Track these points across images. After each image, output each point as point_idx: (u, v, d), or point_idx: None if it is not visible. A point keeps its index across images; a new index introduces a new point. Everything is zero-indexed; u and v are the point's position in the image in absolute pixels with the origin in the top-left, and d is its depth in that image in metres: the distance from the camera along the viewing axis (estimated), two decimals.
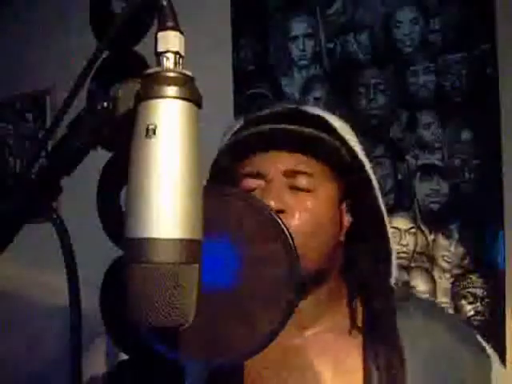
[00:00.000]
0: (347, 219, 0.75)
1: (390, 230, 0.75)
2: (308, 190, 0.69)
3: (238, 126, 0.73)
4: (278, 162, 0.70)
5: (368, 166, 0.75)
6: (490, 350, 0.74)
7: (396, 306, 0.74)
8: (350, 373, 0.70)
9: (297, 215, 0.68)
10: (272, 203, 0.65)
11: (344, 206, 0.75)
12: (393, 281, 0.74)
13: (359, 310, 0.75)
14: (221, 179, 0.72)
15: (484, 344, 0.75)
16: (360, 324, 0.73)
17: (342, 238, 0.74)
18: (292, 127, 0.69)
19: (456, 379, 0.69)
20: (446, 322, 0.76)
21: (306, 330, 0.73)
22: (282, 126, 0.69)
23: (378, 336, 0.71)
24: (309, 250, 0.67)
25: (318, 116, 0.73)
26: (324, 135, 0.71)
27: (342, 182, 0.74)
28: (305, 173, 0.69)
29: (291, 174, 0.69)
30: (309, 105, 0.76)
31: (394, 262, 0.75)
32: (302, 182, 0.69)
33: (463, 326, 0.84)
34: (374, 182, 0.74)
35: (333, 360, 0.71)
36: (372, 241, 0.74)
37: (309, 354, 0.71)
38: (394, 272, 0.74)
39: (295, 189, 0.69)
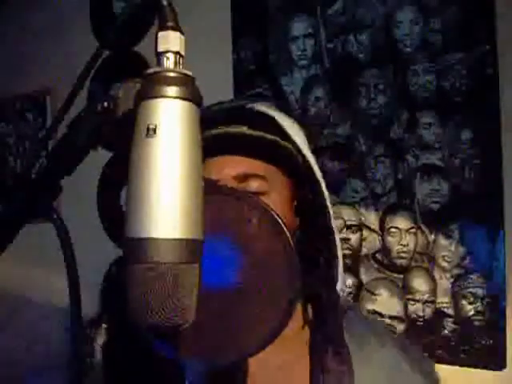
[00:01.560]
0: (295, 220, 0.73)
1: (337, 236, 0.73)
2: (261, 193, 0.67)
3: None
4: (228, 167, 0.68)
5: (316, 167, 0.73)
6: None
7: (342, 315, 0.73)
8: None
9: None
10: None
11: (293, 206, 0.73)
12: (339, 286, 0.72)
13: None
14: None
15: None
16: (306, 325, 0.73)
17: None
18: (241, 131, 0.67)
19: None
20: (393, 340, 0.78)
21: None
22: (231, 129, 0.67)
23: (326, 342, 0.71)
24: None
25: (267, 115, 0.71)
26: (273, 137, 0.69)
27: (292, 183, 0.72)
28: (256, 175, 0.68)
29: (243, 178, 0.68)
30: (259, 102, 0.73)
31: (340, 268, 0.72)
32: (254, 185, 0.67)
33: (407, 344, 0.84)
34: (322, 185, 0.73)
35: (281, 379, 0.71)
36: (317, 244, 0.72)
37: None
38: (340, 278, 0.72)
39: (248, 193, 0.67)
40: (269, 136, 0.68)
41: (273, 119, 0.71)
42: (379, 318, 1.38)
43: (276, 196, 0.69)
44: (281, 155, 0.70)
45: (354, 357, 0.70)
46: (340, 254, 0.73)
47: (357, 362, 0.70)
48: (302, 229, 0.73)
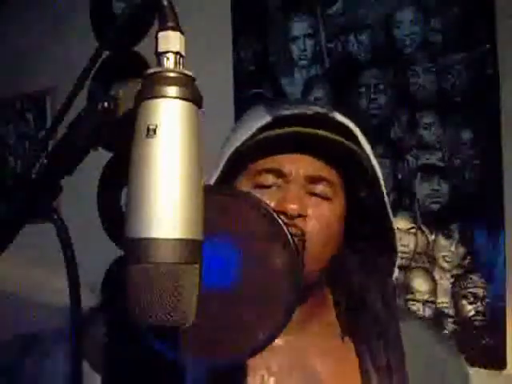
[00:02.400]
0: (342, 228, 0.74)
1: (396, 231, 0.75)
2: (326, 198, 0.68)
3: (264, 121, 0.69)
4: (302, 165, 0.68)
5: (380, 175, 0.76)
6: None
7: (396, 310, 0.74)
8: (349, 374, 0.70)
9: (314, 221, 0.67)
10: (293, 206, 0.64)
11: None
12: (394, 279, 0.74)
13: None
14: (235, 172, 0.71)
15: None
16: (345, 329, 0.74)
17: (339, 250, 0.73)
18: (323, 133, 0.67)
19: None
20: (440, 338, 0.79)
21: (295, 334, 0.71)
22: (314, 130, 0.67)
23: (377, 339, 0.71)
24: (319, 258, 0.67)
25: (346, 126, 0.72)
26: (352, 145, 0.70)
27: (346, 194, 0.73)
28: (327, 180, 0.69)
29: (312, 179, 0.68)
30: (338, 112, 0.74)
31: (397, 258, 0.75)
32: (323, 188, 0.68)
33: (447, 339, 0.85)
34: (386, 199, 0.75)
35: (332, 361, 0.71)
36: (375, 250, 0.75)
37: (308, 355, 0.71)
38: (396, 271, 0.74)
39: (313, 195, 0.68)
40: (346, 142, 0.69)
41: (349, 129, 0.72)
42: None
43: (338, 204, 0.70)
44: (355, 163, 0.71)
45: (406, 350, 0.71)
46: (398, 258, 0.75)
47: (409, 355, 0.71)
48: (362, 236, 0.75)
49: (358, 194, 0.74)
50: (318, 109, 0.70)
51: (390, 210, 0.74)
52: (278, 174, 0.68)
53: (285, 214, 0.63)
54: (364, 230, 0.75)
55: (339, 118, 0.72)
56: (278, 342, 0.56)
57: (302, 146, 0.69)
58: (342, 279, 0.75)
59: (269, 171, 0.69)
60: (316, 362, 0.71)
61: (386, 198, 0.74)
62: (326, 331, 0.73)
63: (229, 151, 0.69)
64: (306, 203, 0.67)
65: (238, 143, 0.69)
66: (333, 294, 0.77)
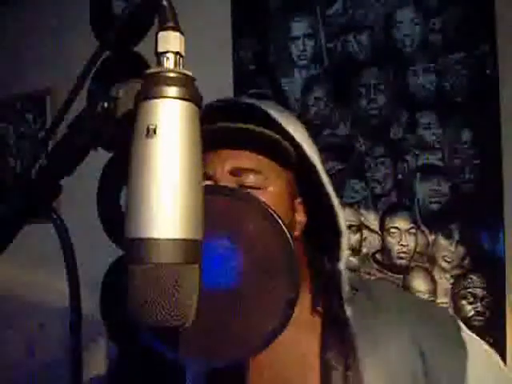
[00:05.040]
0: (302, 215, 0.74)
1: (343, 223, 0.73)
2: (257, 187, 0.68)
3: None
4: (223, 161, 0.69)
5: (317, 161, 0.73)
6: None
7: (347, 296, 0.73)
8: (313, 367, 0.71)
9: None
10: None
11: (298, 202, 0.74)
12: (342, 266, 0.72)
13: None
14: None
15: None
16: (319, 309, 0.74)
17: (297, 233, 0.73)
18: (238, 126, 0.67)
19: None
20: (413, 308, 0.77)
21: None
22: (229, 124, 0.68)
23: (332, 327, 0.72)
24: None
25: (263, 111, 0.71)
26: (270, 132, 0.69)
27: (293, 179, 0.73)
28: (252, 170, 0.69)
29: (238, 172, 0.68)
30: (252, 98, 0.73)
31: (345, 248, 0.73)
32: (249, 179, 0.68)
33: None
34: (324, 177, 0.72)
35: (299, 355, 0.72)
36: (325, 234, 0.73)
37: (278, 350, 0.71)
38: (344, 258, 0.72)
39: (244, 187, 0.68)
40: (266, 131, 0.69)
41: (269, 115, 0.71)
42: None
43: (273, 191, 0.69)
44: (277, 151, 0.70)
45: (360, 340, 0.70)
46: (346, 234, 0.73)
47: (364, 345, 0.70)
48: (312, 222, 0.74)
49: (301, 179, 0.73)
50: (238, 99, 0.71)
51: (330, 190, 0.72)
52: (205, 177, 0.68)
53: None
54: (316, 217, 0.75)
55: (257, 104, 0.71)
56: None
57: (223, 142, 0.69)
58: (311, 264, 0.75)
59: None
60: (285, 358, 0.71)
61: (324, 179, 0.72)
62: (297, 319, 0.73)
63: None
64: None
65: None
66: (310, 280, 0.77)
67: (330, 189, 0.72)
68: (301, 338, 0.73)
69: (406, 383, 0.68)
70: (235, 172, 0.68)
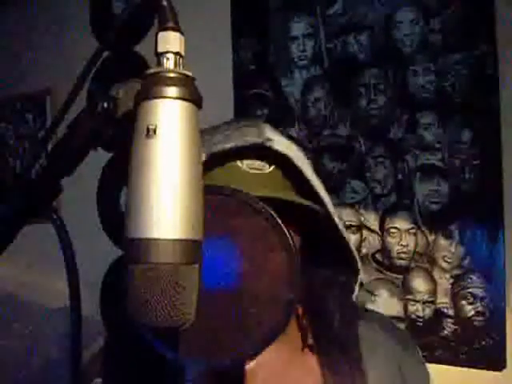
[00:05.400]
0: (297, 239, 0.71)
1: (356, 254, 0.74)
2: None
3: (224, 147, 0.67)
4: None
5: (324, 195, 0.71)
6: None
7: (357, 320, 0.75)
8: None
9: None
10: None
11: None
12: (355, 297, 0.74)
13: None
14: None
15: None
16: (310, 342, 0.74)
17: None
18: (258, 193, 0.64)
19: None
20: (397, 337, 0.80)
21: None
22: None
23: (337, 351, 0.72)
24: None
25: (282, 155, 0.68)
26: (280, 195, 0.66)
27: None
28: None
29: None
30: (276, 134, 0.70)
31: (359, 277, 0.75)
32: None
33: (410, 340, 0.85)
34: (325, 199, 0.71)
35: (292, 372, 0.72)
36: (334, 266, 0.74)
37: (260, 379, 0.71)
38: (357, 289, 0.75)
39: None
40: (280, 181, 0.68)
41: (288, 158, 0.69)
42: None
43: None
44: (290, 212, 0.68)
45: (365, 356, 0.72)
46: (360, 265, 0.75)
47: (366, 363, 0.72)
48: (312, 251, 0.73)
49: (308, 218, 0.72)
50: (256, 140, 0.67)
51: (342, 230, 0.72)
52: None
53: None
54: (324, 248, 0.75)
55: (276, 146, 0.68)
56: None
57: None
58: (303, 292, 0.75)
59: None
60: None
61: (336, 219, 0.72)
62: (286, 346, 0.72)
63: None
64: None
65: (214, 149, 0.68)
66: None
67: (343, 231, 0.73)
68: (293, 375, 0.73)
69: None
70: None
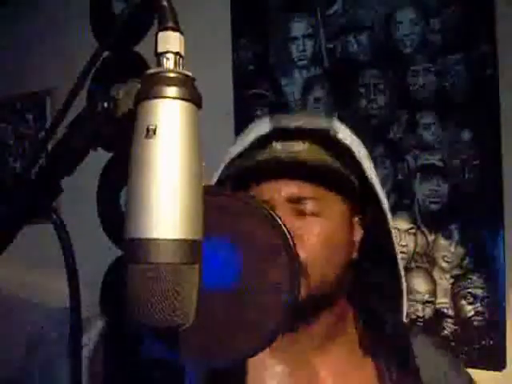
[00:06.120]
0: (359, 233, 0.74)
1: (401, 265, 0.74)
2: (315, 214, 0.68)
3: (263, 131, 0.69)
4: (281, 189, 0.69)
5: (378, 187, 0.73)
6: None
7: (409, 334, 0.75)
8: None
9: (305, 240, 0.67)
10: None
11: (356, 220, 0.74)
12: (404, 317, 0.74)
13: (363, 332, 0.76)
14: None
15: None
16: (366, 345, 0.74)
17: (355, 255, 0.73)
18: (304, 157, 0.68)
19: None
20: (450, 358, 0.81)
21: (316, 354, 0.73)
22: (292, 156, 0.68)
23: (393, 359, 0.72)
24: (319, 275, 0.67)
25: (344, 145, 0.71)
26: (335, 166, 0.69)
27: (352, 200, 0.73)
28: (310, 198, 0.69)
29: (296, 199, 0.68)
30: (341, 124, 0.73)
31: (405, 298, 0.75)
32: (307, 206, 0.68)
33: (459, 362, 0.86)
34: (385, 206, 0.73)
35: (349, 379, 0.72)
36: (382, 274, 0.75)
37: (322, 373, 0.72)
38: (405, 309, 0.75)
39: (302, 214, 0.68)
40: (320, 160, 0.69)
41: (334, 137, 0.71)
42: None
43: (330, 216, 0.69)
44: (337, 181, 0.70)
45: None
46: (404, 284, 0.74)
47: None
48: (369, 254, 0.75)
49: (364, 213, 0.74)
50: (320, 123, 0.70)
51: (391, 230, 0.73)
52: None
53: None
54: (373, 252, 0.75)
55: (340, 135, 0.71)
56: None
57: (282, 173, 0.69)
58: (359, 299, 0.76)
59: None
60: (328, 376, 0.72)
61: (388, 216, 0.73)
62: (344, 348, 0.74)
63: (225, 161, 0.71)
64: (294, 224, 0.66)
65: (234, 154, 0.70)
66: (353, 308, 0.77)
67: (389, 216, 0.73)
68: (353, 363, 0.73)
69: None
70: (293, 200, 0.68)
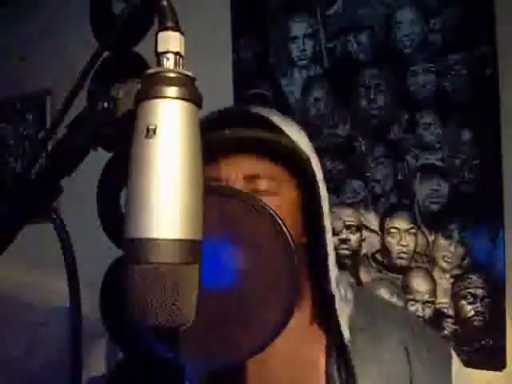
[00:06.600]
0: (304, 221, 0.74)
1: (329, 234, 0.73)
2: (270, 194, 0.69)
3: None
4: (238, 168, 0.70)
5: (316, 167, 0.73)
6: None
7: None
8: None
9: None
10: None
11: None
12: (333, 285, 0.72)
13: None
14: None
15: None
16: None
17: (304, 240, 0.74)
18: (251, 134, 0.69)
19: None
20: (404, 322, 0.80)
21: None
22: (241, 132, 0.69)
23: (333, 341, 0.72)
24: None
25: (267, 119, 0.72)
26: (280, 139, 0.70)
27: (299, 185, 0.73)
28: (267, 176, 0.70)
29: (252, 178, 0.69)
30: (259, 107, 0.75)
31: (333, 268, 0.73)
32: (263, 185, 0.69)
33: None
34: (320, 184, 0.73)
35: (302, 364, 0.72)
36: (313, 244, 0.74)
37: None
38: (333, 276, 0.73)
39: (257, 192, 0.68)
40: (273, 137, 0.70)
41: (272, 123, 0.72)
42: None
43: (284, 196, 0.70)
44: (286, 156, 0.71)
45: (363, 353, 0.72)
46: (332, 255, 0.73)
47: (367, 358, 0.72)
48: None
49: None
50: (242, 108, 0.73)
51: (324, 204, 0.73)
52: (219, 179, 0.69)
53: None
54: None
55: (262, 113, 0.73)
56: None
57: (237, 149, 0.70)
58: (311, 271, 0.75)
59: (211, 178, 0.70)
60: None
61: (320, 188, 0.73)
62: (300, 326, 0.73)
63: None
64: None
65: None
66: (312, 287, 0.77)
67: (325, 205, 0.73)
68: (303, 348, 0.73)
69: None
70: (249, 178, 0.69)
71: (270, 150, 0.70)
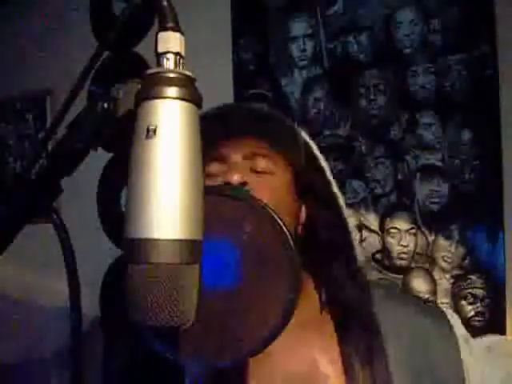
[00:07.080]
0: (303, 214, 0.75)
1: (348, 220, 0.76)
2: (268, 173, 0.71)
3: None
4: (238, 147, 0.72)
5: (322, 159, 0.77)
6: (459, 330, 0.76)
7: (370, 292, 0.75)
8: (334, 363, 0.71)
9: (259, 193, 0.68)
10: (235, 178, 0.67)
11: (300, 201, 0.76)
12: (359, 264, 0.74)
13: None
14: None
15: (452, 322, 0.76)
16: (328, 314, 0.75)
17: (300, 231, 0.74)
18: (254, 107, 0.74)
19: (430, 363, 0.71)
20: (419, 306, 0.79)
21: None
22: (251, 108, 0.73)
23: (354, 324, 0.72)
24: None
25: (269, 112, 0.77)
26: (281, 126, 0.74)
27: (293, 170, 0.75)
28: (264, 155, 0.71)
29: (251, 156, 0.71)
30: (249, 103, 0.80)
31: (356, 246, 0.75)
32: (262, 163, 0.71)
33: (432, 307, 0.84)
34: (327, 172, 0.76)
35: (314, 355, 0.72)
36: (331, 232, 0.75)
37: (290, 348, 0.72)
38: (359, 256, 0.75)
39: (256, 172, 0.71)
40: (277, 117, 0.74)
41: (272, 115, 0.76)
42: None
43: (281, 177, 0.72)
44: (286, 138, 0.74)
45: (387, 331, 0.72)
46: (353, 231, 0.76)
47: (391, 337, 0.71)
48: (314, 220, 0.75)
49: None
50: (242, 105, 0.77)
51: (336, 191, 0.76)
52: (220, 159, 0.71)
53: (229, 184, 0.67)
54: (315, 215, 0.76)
55: (255, 105, 0.77)
56: None
57: (237, 131, 0.73)
58: (313, 263, 0.75)
59: (211, 159, 0.71)
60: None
61: (327, 175, 0.76)
62: (306, 320, 0.73)
63: None
64: (250, 178, 0.69)
65: None
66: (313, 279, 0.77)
67: (336, 188, 0.76)
68: (308, 337, 0.73)
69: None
70: (249, 157, 0.71)
71: (270, 134, 0.73)
